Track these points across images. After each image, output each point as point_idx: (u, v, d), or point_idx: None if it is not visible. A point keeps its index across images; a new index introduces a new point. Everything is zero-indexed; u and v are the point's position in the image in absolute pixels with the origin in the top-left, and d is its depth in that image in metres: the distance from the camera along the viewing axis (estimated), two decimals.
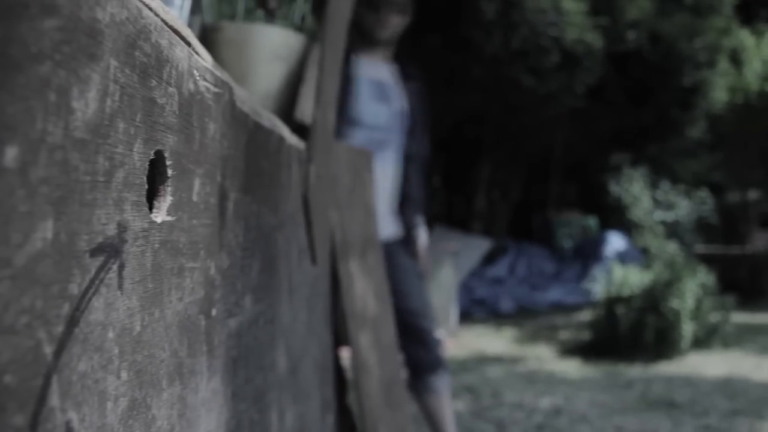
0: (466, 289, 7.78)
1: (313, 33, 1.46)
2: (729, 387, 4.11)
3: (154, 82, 0.46)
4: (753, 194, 12.92)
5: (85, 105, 0.36)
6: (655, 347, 5.01)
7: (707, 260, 7.05)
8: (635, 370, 4.68)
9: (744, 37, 11.08)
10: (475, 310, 7.71)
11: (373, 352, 1.80)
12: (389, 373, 1.93)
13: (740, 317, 6.47)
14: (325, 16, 1.33)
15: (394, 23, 2.33)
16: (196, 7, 1.33)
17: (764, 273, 10.28)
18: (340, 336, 1.89)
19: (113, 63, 0.39)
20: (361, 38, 2.33)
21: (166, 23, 0.49)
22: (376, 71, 2.35)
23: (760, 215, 12.89)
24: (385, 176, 2.34)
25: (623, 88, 9.32)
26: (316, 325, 1.38)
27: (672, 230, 10.47)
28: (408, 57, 2.50)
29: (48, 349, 0.34)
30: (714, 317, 5.49)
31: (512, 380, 4.35)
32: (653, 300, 5.05)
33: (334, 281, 1.70)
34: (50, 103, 0.33)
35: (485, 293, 8.24)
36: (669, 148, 11.07)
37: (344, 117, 2.25)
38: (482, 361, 5.01)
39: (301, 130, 1.37)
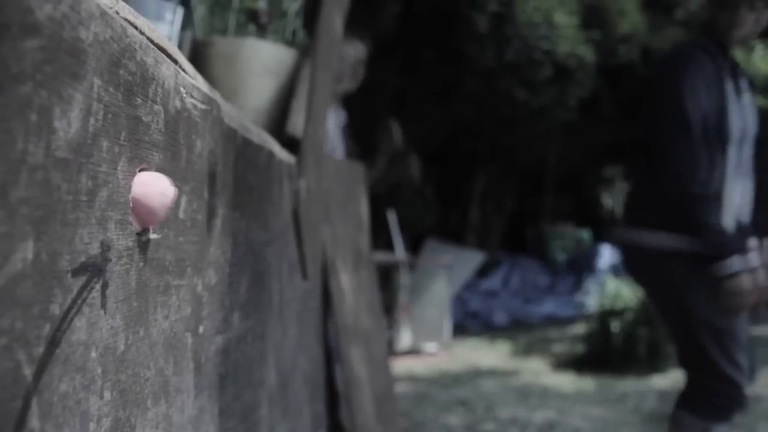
0: (459, 302, 7.78)
1: (305, 48, 1.46)
2: None
3: (139, 100, 0.46)
4: None
5: (68, 124, 0.36)
6: (649, 360, 5.01)
7: None
8: (629, 384, 4.67)
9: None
10: (469, 323, 7.70)
11: (365, 366, 1.79)
12: (381, 387, 1.93)
13: None
14: (316, 31, 1.33)
15: (750, 21, 2.12)
16: (187, 23, 1.34)
17: None
18: (332, 351, 1.88)
19: (97, 82, 0.39)
20: (711, 40, 2.15)
21: (151, 41, 0.49)
22: (734, 78, 2.16)
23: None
24: (748, 193, 2.12)
25: (615, 101, 9.37)
26: (307, 341, 1.38)
27: None
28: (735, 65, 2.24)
29: (28, 371, 0.34)
30: None
31: (506, 394, 4.34)
32: (646, 313, 5.05)
33: (326, 296, 1.70)
34: (31, 124, 0.33)
35: (479, 306, 8.24)
36: None
37: (719, 134, 2.04)
38: (476, 374, 5.00)
39: (292, 144, 1.37)
